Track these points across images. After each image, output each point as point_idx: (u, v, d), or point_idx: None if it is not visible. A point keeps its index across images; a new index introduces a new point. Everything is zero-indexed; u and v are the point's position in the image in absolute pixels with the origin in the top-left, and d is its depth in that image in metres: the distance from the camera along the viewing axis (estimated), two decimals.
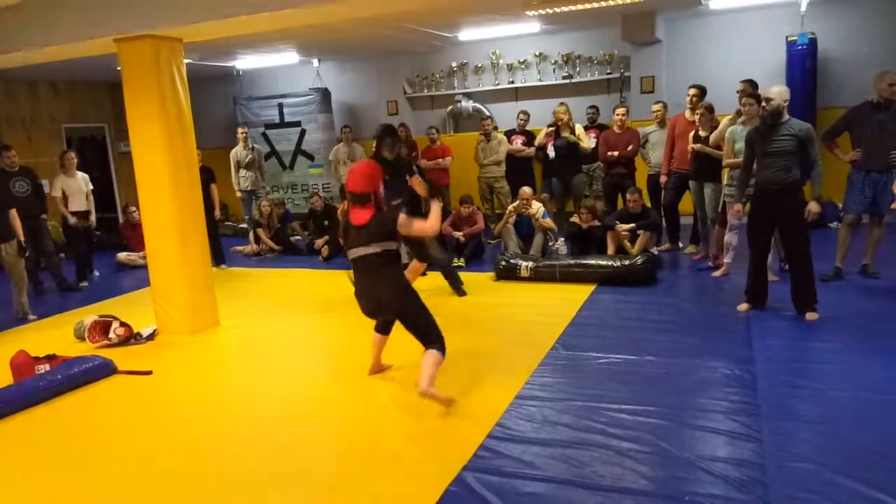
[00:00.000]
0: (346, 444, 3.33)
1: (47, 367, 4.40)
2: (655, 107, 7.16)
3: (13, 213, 5.91)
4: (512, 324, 5.08)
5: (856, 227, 5.53)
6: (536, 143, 8.07)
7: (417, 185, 4.50)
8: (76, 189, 7.42)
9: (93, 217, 7.59)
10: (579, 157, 7.72)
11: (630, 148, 7.15)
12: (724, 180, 5.92)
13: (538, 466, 2.94)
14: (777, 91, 4.56)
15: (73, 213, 7.41)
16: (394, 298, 3.66)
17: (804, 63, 7.60)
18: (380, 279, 3.65)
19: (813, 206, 4.58)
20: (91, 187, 7.63)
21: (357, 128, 10.40)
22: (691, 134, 6.35)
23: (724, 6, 7.94)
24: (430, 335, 3.65)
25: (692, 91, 6.62)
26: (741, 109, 5.64)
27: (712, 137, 6.12)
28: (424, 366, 3.55)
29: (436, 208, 3.74)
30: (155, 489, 3.02)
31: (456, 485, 2.83)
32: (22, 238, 5.95)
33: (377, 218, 3.64)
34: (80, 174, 7.53)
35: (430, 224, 3.70)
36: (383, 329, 4.07)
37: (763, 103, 4.59)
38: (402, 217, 3.64)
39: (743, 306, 4.94)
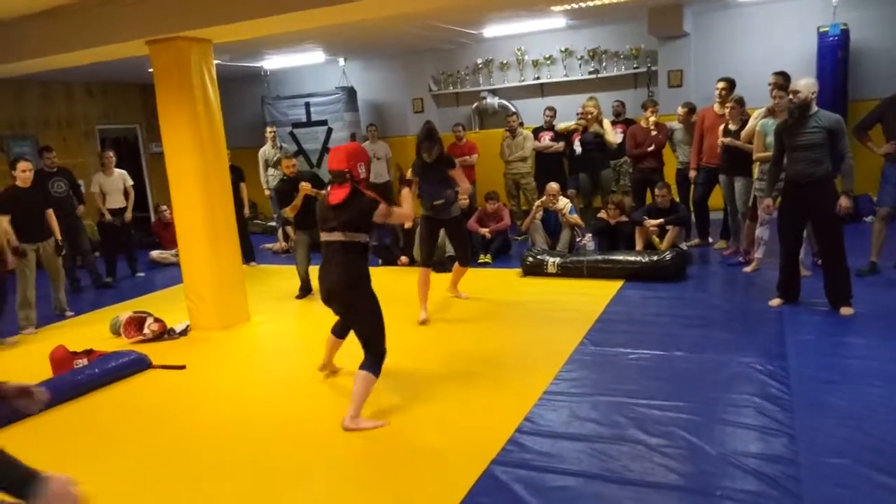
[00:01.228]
0: (374, 438, 3.36)
1: (85, 361, 4.53)
2: (681, 110, 7.08)
3: (51, 212, 6.07)
4: (539, 320, 5.08)
5: (891, 220, 5.42)
6: (558, 129, 8.07)
7: (458, 176, 4.98)
8: (113, 187, 7.62)
9: (128, 213, 7.74)
10: (606, 152, 7.67)
11: (658, 137, 7.07)
12: (755, 174, 5.84)
13: (567, 460, 2.95)
14: (804, 83, 4.49)
15: (110, 210, 7.59)
16: (344, 292, 3.51)
17: (836, 54, 7.45)
18: (337, 268, 3.50)
19: (843, 201, 4.50)
20: (131, 182, 7.83)
21: (383, 126, 10.46)
22: (721, 128, 6.27)
23: None
24: (370, 344, 3.49)
25: (721, 84, 6.54)
26: (772, 103, 5.55)
27: (744, 132, 6.02)
28: (353, 391, 3.42)
29: (406, 195, 3.86)
30: (188, 481, 3.10)
31: (485, 478, 2.85)
32: (59, 237, 6.11)
33: (356, 205, 3.46)
34: (117, 171, 7.71)
35: (405, 211, 3.76)
36: (340, 333, 4.03)
37: (791, 96, 4.53)
38: (381, 207, 3.47)
39: (775, 301, 4.87)
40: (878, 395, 3.34)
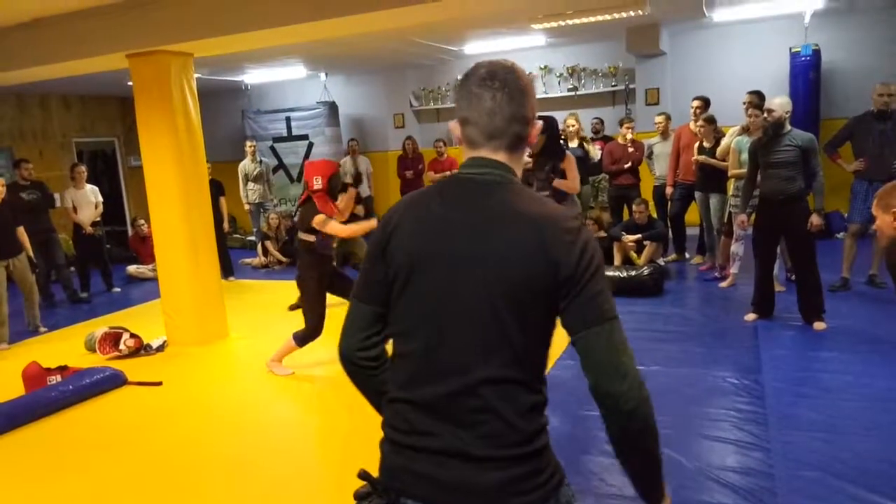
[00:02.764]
0: (354, 452, 3.35)
1: (59, 378, 4.45)
2: (658, 118, 7.20)
3: (21, 229, 5.97)
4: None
5: (861, 236, 5.54)
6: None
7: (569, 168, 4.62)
8: (84, 201, 7.51)
9: (88, 228, 7.55)
10: (586, 168, 7.75)
11: (635, 154, 7.17)
12: (730, 191, 5.94)
13: None
14: (779, 102, 4.60)
15: (82, 225, 7.49)
16: (298, 279, 4.34)
17: (808, 74, 7.64)
18: (298, 260, 4.39)
19: (815, 218, 4.59)
20: (100, 199, 7.71)
21: (364, 141, 10.49)
22: (696, 146, 6.38)
23: (728, 18, 7.98)
24: (306, 321, 4.27)
25: (696, 103, 6.67)
26: (748, 121, 5.67)
27: (719, 149, 6.14)
28: (282, 346, 4.45)
29: (359, 226, 4.37)
30: (164, 500, 3.05)
31: None
32: (31, 254, 6.02)
33: (303, 210, 4.27)
34: (89, 186, 7.61)
35: (343, 229, 4.25)
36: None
37: (765, 114, 4.64)
38: (318, 217, 4.10)
39: (750, 316, 4.95)
40: (851, 409, 3.40)
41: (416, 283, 1.24)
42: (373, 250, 1.31)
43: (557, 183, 4.49)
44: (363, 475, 1.28)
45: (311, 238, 4.20)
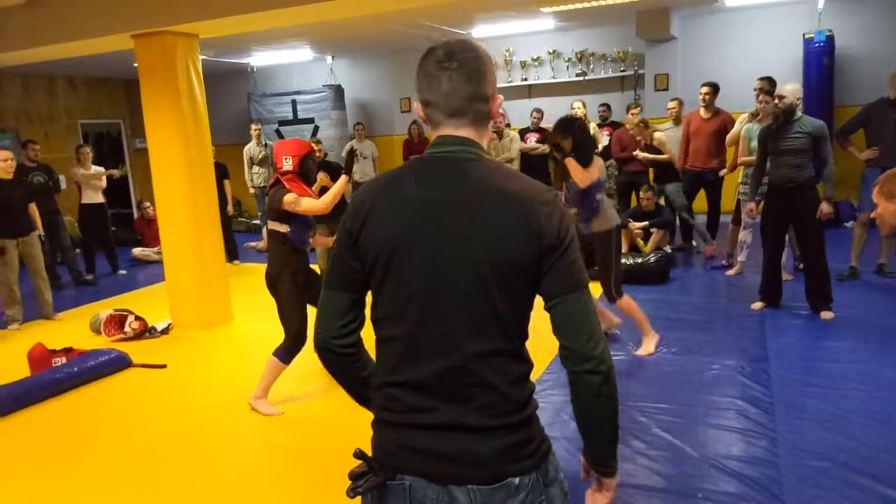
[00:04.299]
0: (356, 434, 3.34)
1: (64, 359, 4.46)
2: (671, 104, 7.11)
3: (33, 206, 5.95)
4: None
5: (871, 226, 5.47)
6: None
7: (571, 168, 4.10)
8: (91, 181, 7.49)
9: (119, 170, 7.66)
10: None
11: (642, 141, 7.12)
12: (739, 178, 5.88)
13: None
14: (790, 89, 4.53)
15: (88, 206, 7.48)
16: (268, 278, 3.72)
17: (821, 60, 7.53)
18: (269, 258, 3.78)
19: (825, 206, 4.54)
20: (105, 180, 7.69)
21: (370, 125, 10.43)
22: (638, 149, 6.77)
23: (740, 3, 7.88)
24: (285, 331, 3.67)
25: (705, 89, 6.57)
26: (758, 107, 5.59)
27: (729, 136, 6.17)
28: (264, 372, 3.71)
29: (332, 190, 3.72)
30: (168, 481, 3.06)
31: None
32: (42, 232, 5.99)
33: (272, 195, 3.64)
34: (94, 168, 7.60)
35: (321, 203, 3.64)
36: None
37: (776, 101, 4.57)
38: (288, 196, 3.55)
39: (757, 304, 4.91)
40: (858, 398, 3.37)
41: (399, 267, 1.24)
42: (345, 238, 1.30)
43: (570, 167, 4.05)
44: (359, 454, 1.30)
45: (283, 228, 3.61)
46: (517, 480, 1.23)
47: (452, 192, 1.23)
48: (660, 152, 6.67)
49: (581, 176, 3.99)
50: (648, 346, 4.24)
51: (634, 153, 6.83)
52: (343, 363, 1.37)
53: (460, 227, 1.21)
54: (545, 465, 1.29)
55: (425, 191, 1.25)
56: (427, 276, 1.22)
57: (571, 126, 4.13)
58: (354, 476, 1.28)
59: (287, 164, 3.66)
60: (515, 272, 1.21)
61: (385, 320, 1.29)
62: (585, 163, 4.04)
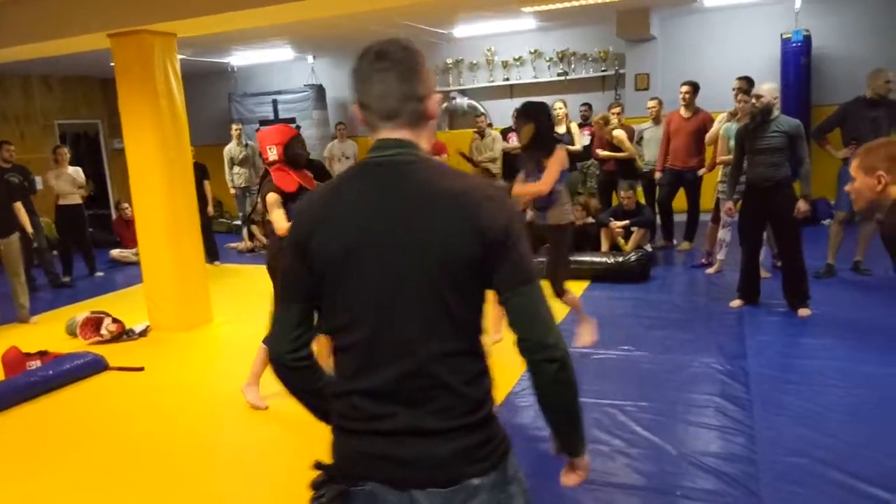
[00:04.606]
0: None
1: (38, 363, 4.39)
2: (651, 103, 7.16)
3: (19, 205, 5.84)
4: (504, 320, 5.07)
5: (847, 224, 5.55)
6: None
7: (549, 168, 3.88)
8: (67, 183, 7.38)
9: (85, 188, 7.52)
10: (572, 154, 7.71)
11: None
12: (718, 177, 5.93)
13: (530, 460, 2.94)
14: (768, 88, 4.58)
15: (65, 207, 7.37)
16: (268, 266, 3.72)
17: (799, 60, 7.62)
18: (268, 245, 3.70)
19: (801, 205, 4.59)
20: (83, 178, 7.56)
21: (352, 125, 10.37)
22: (599, 149, 7.02)
23: (718, 3, 7.95)
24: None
25: (685, 88, 6.62)
26: (736, 107, 5.64)
27: (708, 135, 6.23)
28: (255, 359, 3.77)
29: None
30: (146, 486, 3.02)
31: None
32: (30, 229, 5.89)
33: (263, 188, 3.56)
34: (71, 168, 7.49)
35: (280, 227, 3.38)
36: None
37: (753, 100, 4.61)
38: (269, 196, 3.44)
39: (735, 302, 4.95)
40: (835, 395, 3.41)
41: (350, 276, 1.24)
42: (292, 249, 1.29)
43: (516, 189, 3.94)
44: (318, 465, 1.31)
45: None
46: (476, 481, 1.24)
47: (396, 197, 1.22)
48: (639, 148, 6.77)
49: (545, 184, 3.83)
50: (587, 335, 4.24)
51: (597, 150, 7.02)
52: (298, 376, 1.36)
53: (407, 230, 1.21)
54: (504, 464, 1.30)
55: (369, 197, 1.24)
56: (379, 283, 1.22)
57: (533, 111, 3.92)
58: (315, 486, 1.28)
59: (272, 154, 3.55)
60: (465, 270, 1.21)
61: (340, 329, 1.28)
62: (547, 152, 3.87)
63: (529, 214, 4.12)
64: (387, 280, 1.22)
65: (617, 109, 7.34)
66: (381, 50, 1.26)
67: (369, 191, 1.24)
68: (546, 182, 3.83)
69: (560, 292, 4.09)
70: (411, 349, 1.22)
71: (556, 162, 3.85)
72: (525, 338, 1.24)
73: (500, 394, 3.46)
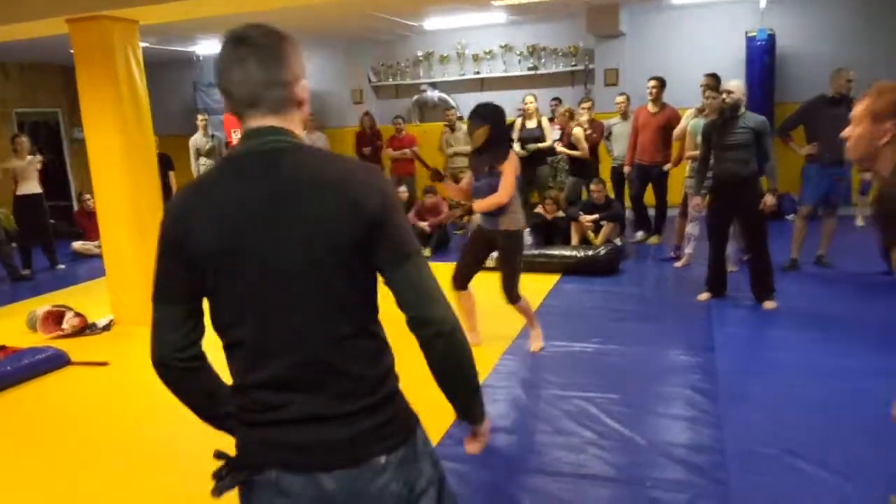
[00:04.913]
0: None
1: None
2: (619, 98, 7.22)
3: None
4: (478, 312, 5.06)
5: (811, 219, 5.67)
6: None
7: (505, 175, 3.80)
8: (27, 172, 7.17)
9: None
10: (543, 150, 7.73)
11: (592, 135, 7.21)
12: (686, 172, 6.00)
13: (502, 454, 2.94)
14: (736, 84, 4.66)
15: (24, 197, 7.16)
16: None
17: (763, 58, 7.75)
18: None
19: (769, 198, 4.67)
20: (40, 165, 7.37)
21: (321, 116, 10.26)
22: (559, 143, 7.20)
23: (686, 1, 8.04)
24: None
25: (652, 83, 6.68)
26: (704, 103, 5.71)
27: (676, 131, 6.32)
28: None
29: None
30: (108, 483, 2.94)
31: None
32: None
33: None
34: (30, 157, 7.27)
35: None
36: None
37: (724, 95, 4.66)
38: None
39: (703, 295, 5.02)
40: (800, 386, 3.47)
41: (232, 271, 1.20)
42: (166, 247, 1.24)
43: (477, 206, 3.85)
44: (219, 454, 1.30)
45: None
46: (383, 459, 1.24)
47: (271, 186, 1.19)
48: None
49: (505, 194, 3.76)
50: (538, 341, 4.19)
51: (555, 145, 7.17)
52: (188, 377, 1.32)
53: (285, 219, 1.18)
54: (413, 439, 1.30)
55: (244, 188, 1.20)
56: (262, 275, 1.19)
57: (488, 113, 3.76)
58: (218, 476, 1.27)
59: (236, 137, 3.46)
60: (348, 252, 1.19)
61: (227, 326, 1.25)
62: (502, 156, 3.75)
63: (477, 219, 4.06)
64: (269, 272, 1.19)
65: (587, 104, 7.38)
66: (241, 35, 1.21)
67: (242, 183, 1.20)
68: (505, 192, 3.74)
69: (515, 298, 4.04)
70: (302, 338, 1.21)
71: (512, 168, 3.75)
72: (412, 314, 1.23)
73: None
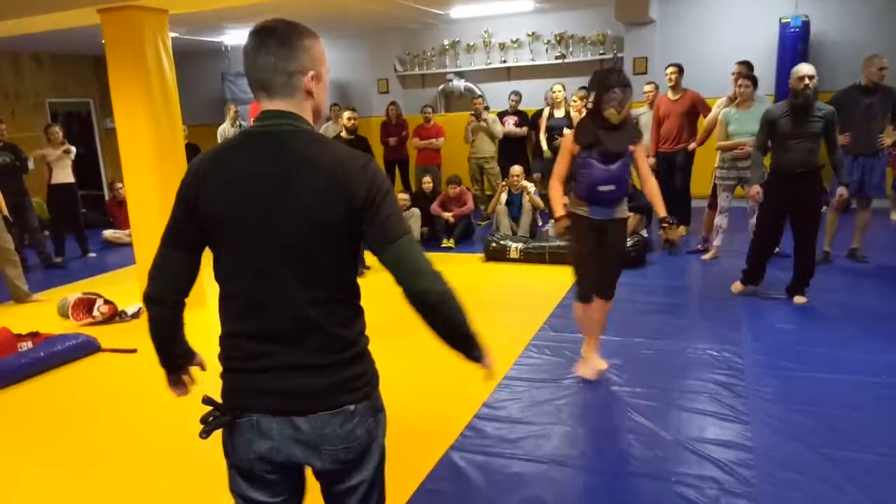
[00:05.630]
0: None
1: (30, 344, 4.35)
2: (647, 88, 7.09)
3: None
4: (500, 305, 5.06)
5: (843, 211, 5.53)
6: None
7: (640, 157, 3.45)
8: (61, 161, 7.30)
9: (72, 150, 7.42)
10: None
11: None
12: (716, 163, 5.89)
13: (525, 446, 2.94)
14: (812, 69, 4.33)
15: (57, 186, 7.30)
16: None
17: (796, 46, 7.56)
18: None
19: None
20: (73, 155, 7.48)
21: (346, 106, 10.29)
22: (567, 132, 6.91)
23: None
24: None
25: (670, 69, 6.50)
26: (736, 91, 5.59)
27: (706, 120, 6.20)
28: None
29: None
30: (138, 468, 3.00)
31: (442, 464, 2.82)
32: (5, 212, 5.80)
33: None
34: (63, 147, 7.40)
35: None
36: None
37: (806, 81, 4.32)
38: None
39: (738, 286, 4.88)
40: (829, 382, 3.40)
41: (233, 232, 1.38)
42: (181, 203, 1.43)
43: (660, 207, 3.47)
44: (206, 400, 1.47)
45: None
46: (353, 407, 1.42)
47: (274, 162, 1.36)
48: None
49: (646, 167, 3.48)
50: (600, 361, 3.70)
51: (564, 132, 6.91)
52: (171, 317, 1.51)
53: (282, 193, 1.34)
54: (375, 394, 1.50)
55: (250, 162, 1.37)
56: (257, 239, 1.36)
57: (627, 80, 3.33)
58: (204, 420, 1.44)
59: None
60: (333, 229, 1.35)
61: (226, 279, 1.43)
62: (637, 133, 3.49)
63: (584, 209, 3.43)
64: (264, 237, 1.36)
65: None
66: (262, 26, 1.40)
67: (249, 157, 1.38)
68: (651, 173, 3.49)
69: (612, 295, 3.69)
70: (289, 297, 1.37)
71: (643, 149, 3.47)
72: (405, 287, 1.38)
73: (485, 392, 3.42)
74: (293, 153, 1.36)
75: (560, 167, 3.45)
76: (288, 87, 1.39)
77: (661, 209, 3.46)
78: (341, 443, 1.42)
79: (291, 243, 1.35)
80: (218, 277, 1.45)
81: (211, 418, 1.44)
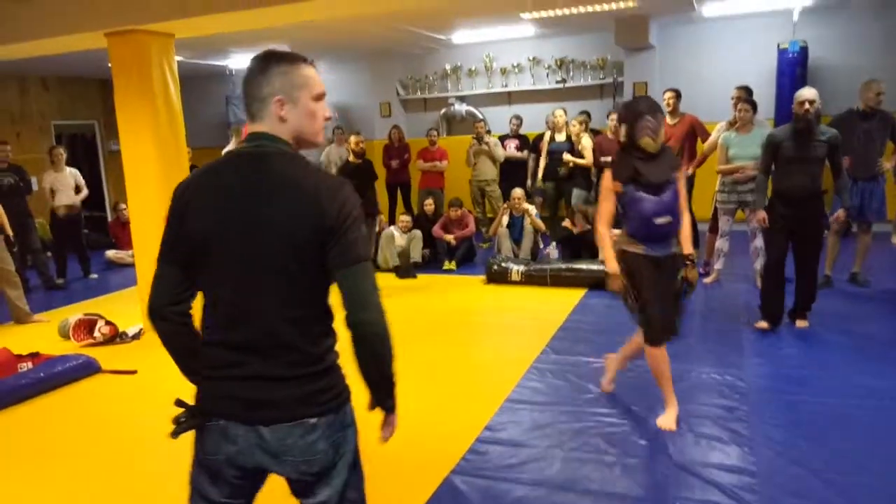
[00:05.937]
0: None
1: (30, 364, 4.34)
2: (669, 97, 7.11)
3: None
4: (502, 327, 5.05)
5: (844, 235, 5.54)
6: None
7: (681, 182, 3.21)
8: (64, 184, 7.35)
9: (78, 200, 7.47)
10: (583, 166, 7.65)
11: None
12: (717, 187, 5.92)
13: (527, 470, 2.91)
14: (815, 93, 4.31)
15: (61, 208, 7.34)
16: None
17: (795, 71, 7.63)
18: None
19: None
20: (82, 182, 7.55)
21: (350, 129, 10.36)
22: (566, 153, 7.32)
23: (717, 13, 7.97)
24: None
25: (668, 94, 6.53)
26: (736, 115, 5.63)
27: (706, 144, 6.21)
28: None
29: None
30: (137, 490, 2.97)
31: (444, 488, 2.80)
32: (10, 232, 5.81)
33: None
34: (68, 169, 7.46)
35: None
36: None
37: (807, 105, 4.29)
38: None
39: (762, 324, 4.63)
40: (832, 406, 3.38)
41: (217, 248, 1.45)
42: (171, 220, 1.50)
43: (688, 247, 3.24)
44: (179, 403, 1.55)
45: None
46: (313, 420, 1.47)
47: (257, 182, 1.44)
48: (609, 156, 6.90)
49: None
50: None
51: (563, 155, 7.34)
52: (175, 330, 1.54)
53: (263, 212, 1.42)
54: (344, 410, 1.54)
55: (235, 181, 1.45)
56: (239, 255, 1.44)
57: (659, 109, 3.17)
58: (176, 421, 1.53)
59: None
60: (308, 249, 1.42)
61: (209, 290, 1.50)
62: (677, 161, 3.29)
63: (638, 248, 3.17)
64: (244, 254, 1.43)
65: (616, 116, 7.34)
66: (256, 55, 1.52)
67: (235, 176, 1.46)
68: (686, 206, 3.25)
69: (657, 336, 3.25)
70: (265, 312, 1.44)
71: (684, 177, 3.24)
72: (348, 314, 1.44)
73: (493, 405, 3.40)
74: (273, 173, 1.44)
75: (605, 209, 3.22)
76: (262, 111, 1.49)
77: (688, 246, 3.22)
78: (302, 455, 1.48)
79: (270, 260, 1.42)
80: (203, 289, 1.52)
81: (182, 419, 1.53)
